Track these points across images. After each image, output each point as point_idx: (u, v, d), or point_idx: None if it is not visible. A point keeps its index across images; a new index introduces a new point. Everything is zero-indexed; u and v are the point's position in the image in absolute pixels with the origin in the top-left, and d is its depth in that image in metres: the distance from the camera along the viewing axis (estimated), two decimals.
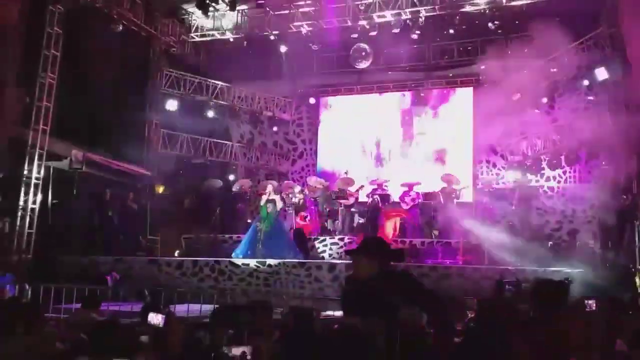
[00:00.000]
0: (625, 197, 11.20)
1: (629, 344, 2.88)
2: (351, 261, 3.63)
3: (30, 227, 11.90)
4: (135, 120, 15.09)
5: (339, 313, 3.70)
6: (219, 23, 15.16)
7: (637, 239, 10.10)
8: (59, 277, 10.35)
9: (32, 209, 11.98)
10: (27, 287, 9.26)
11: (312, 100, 17.30)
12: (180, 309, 8.55)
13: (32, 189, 12.00)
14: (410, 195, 13.76)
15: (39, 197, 12.09)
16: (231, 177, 16.42)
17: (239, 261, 11.50)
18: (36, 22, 12.36)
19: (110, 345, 3.08)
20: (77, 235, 12.77)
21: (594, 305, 4.50)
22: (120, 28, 13.60)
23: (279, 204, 12.44)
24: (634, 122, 11.66)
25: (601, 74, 12.25)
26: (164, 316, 3.30)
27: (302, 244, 12.62)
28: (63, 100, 12.57)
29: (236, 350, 3.35)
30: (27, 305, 5.61)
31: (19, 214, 11.79)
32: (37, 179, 12.10)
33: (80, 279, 10.23)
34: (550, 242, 12.65)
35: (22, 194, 11.90)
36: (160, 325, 3.26)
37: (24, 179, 11.94)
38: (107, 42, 13.47)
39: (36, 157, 12.12)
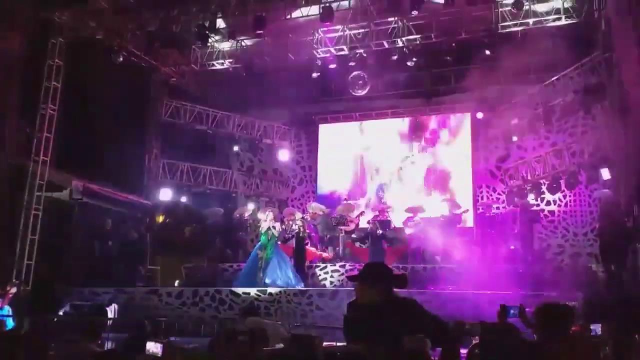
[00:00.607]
0: (626, 219, 11.17)
1: None
2: (353, 288, 3.60)
3: (29, 258, 11.84)
4: (135, 150, 15.16)
5: (342, 342, 3.66)
6: (218, 53, 15.34)
7: None
8: (59, 309, 10.26)
9: (32, 240, 11.94)
10: (26, 319, 9.16)
11: (310, 128, 17.40)
12: (181, 339, 8.45)
13: (31, 220, 11.98)
14: (413, 221, 13.73)
15: (39, 227, 12.06)
16: (231, 206, 16.38)
17: (240, 290, 11.41)
18: (37, 54, 12.52)
19: None
20: (77, 266, 12.70)
21: (600, 329, 4.46)
22: (121, 59, 13.75)
23: (278, 230, 12.40)
24: (632, 145, 11.72)
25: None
26: (161, 345, 3.26)
27: (301, 269, 12.59)
28: (63, 131, 12.65)
29: None
30: (27, 337, 5.54)
31: (18, 244, 11.75)
32: (36, 209, 12.09)
33: (80, 310, 10.14)
34: (553, 266, 12.57)
35: (21, 225, 11.87)
36: (159, 354, 3.22)
37: (24, 209, 11.93)
38: (107, 73, 13.62)
39: (36, 188, 12.13)
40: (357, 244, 14.00)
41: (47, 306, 10.29)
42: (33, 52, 12.47)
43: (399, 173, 16.49)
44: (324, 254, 13.82)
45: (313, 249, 13.71)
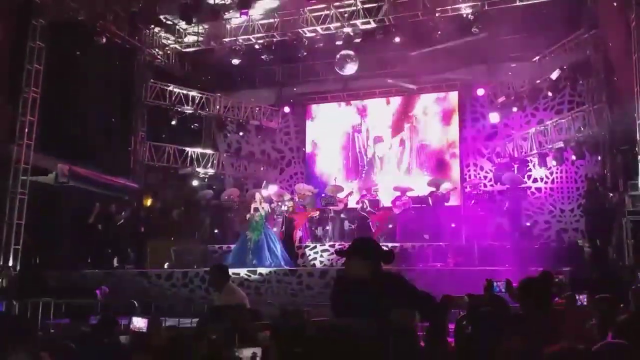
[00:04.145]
0: (612, 194, 11.30)
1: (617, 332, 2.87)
2: (342, 265, 3.61)
3: (16, 242, 11.76)
4: (121, 132, 15.03)
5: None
6: (203, 33, 15.14)
7: (625, 235, 10.17)
8: (47, 293, 10.22)
9: (18, 224, 11.85)
10: (14, 303, 9.12)
11: (298, 108, 17.31)
12: (172, 321, 8.46)
13: (17, 204, 11.87)
14: (401, 200, 13.78)
15: (25, 212, 11.96)
16: (219, 187, 16.33)
17: (229, 271, 11.39)
18: (19, 36, 12.29)
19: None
20: (65, 249, 12.64)
21: (585, 299, 4.52)
22: (104, 40, 13.54)
23: (264, 211, 12.38)
24: (618, 120, 11.80)
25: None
26: (146, 320, 3.28)
27: (290, 249, 12.62)
28: (47, 114, 12.48)
29: (247, 352, 3.29)
30: (16, 319, 5.53)
31: (5, 229, 11.66)
32: (22, 194, 11.97)
33: (69, 293, 10.12)
34: (540, 242, 12.71)
35: (7, 209, 11.77)
36: (144, 330, 3.24)
37: (9, 194, 11.82)
38: (91, 55, 13.43)
39: (21, 172, 12.00)
40: (346, 224, 14.02)
41: (35, 290, 10.25)
42: (14, 35, 12.23)
43: (387, 152, 16.49)
44: (311, 214, 13.83)
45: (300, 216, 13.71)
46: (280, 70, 17.00)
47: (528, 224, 14.03)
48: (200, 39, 15.26)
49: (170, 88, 15.68)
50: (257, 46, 14.70)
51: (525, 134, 14.32)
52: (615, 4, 11.70)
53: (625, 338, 2.58)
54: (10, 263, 11.59)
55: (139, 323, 3.29)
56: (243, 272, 11.28)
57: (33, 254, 11.94)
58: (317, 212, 13.90)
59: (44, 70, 12.46)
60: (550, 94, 14.03)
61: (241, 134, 16.99)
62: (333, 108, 17.33)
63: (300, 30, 14.20)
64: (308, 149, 17.32)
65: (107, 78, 13.99)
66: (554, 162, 13.59)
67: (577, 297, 4.52)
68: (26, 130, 12.11)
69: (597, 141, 12.77)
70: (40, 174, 12.61)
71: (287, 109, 17.20)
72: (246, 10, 13.20)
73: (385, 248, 3.94)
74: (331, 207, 14.00)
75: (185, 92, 15.86)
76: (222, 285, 5.48)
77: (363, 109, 16.95)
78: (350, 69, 14.77)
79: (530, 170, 14.49)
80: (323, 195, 14.43)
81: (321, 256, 13.02)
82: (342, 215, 14.12)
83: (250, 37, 14.60)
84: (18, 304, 9.01)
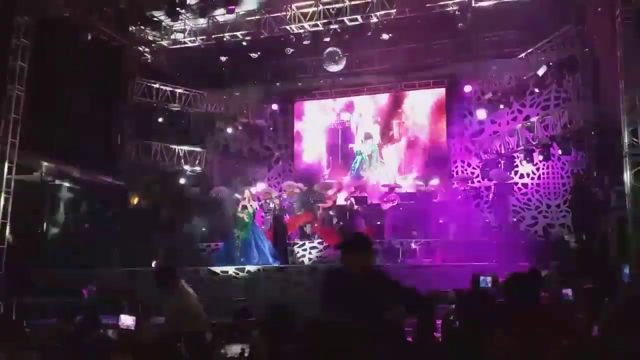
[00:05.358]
0: (597, 190, 11.40)
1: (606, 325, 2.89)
2: (329, 264, 3.62)
3: (2, 242, 11.64)
4: (108, 130, 14.90)
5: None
6: (190, 30, 15.06)
7: (610, 230, 10.28)
8: (34, 292, 10.14)
9: (3, 223, 11.72)
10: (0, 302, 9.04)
11: (286, 106, 17.27)
12: (159, 320, 8.43)
13: (2, 203, 11.74)
14: (389, 196, 13.82)
15: (10, 211, 11.83)
16: (206, 185, 16.24)
17: (218, 269, 11.40)
18: (2, 33, 12.14)
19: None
20: (51, 248, 12.53)
21: (571, 294, 4.56)
22: (90, 37, 13.42)
23: (252, 209, 12.36)
24: (603, 116, 11.91)
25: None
26: (134, 317, 3.27)
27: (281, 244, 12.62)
28: (32, 112, 12.35)
29: (235, 348, 3.29)
30: (2, 318, 5.48)
31: None
32: (7, 192, 11.84)
33: (55, 292, 10.04)
34: (527, 238, 12.81)
35: None
36: (132, 327, 3.23)
37: None
38: (76, 52, 13.30)
39: (5, 171, 11.87)
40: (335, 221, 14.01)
41: (21, 289, 10.16)
42: None
43: (375, 149, 16.50)
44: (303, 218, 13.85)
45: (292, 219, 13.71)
46: (268, 68, 16.94)
47: (515, 219, 14.13)
48: (187, 36, 15.16)
49: (157, 85, 15.61)
50: (244, 43, 14.64)
51: (511, 130, 14.39)
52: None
53: (615, 331, 2.60)
54: None
55: (127, 321, 3.28)
56: (231, 270, 11.27)
57: (18, 253, 11.79)
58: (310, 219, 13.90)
59: (29, 68, 12.31)
60: (536, 90, 14.11)
61: (229, 131, 16.89)
62: (321, 105, 17.30)
63: (287, 27, 14.16)
64: (296, 146, 17.29)
65: (93, 75, 13.85)
66: (541, 158, 13.68)
67: (563, 292, 4.56)
68: (11, 128, 11.97)
69: (583, 137, 12.86)
70: (25, 173, 12.47)
71: (286, 105, 17.13)
72: (233, 7, 13.14)
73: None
74: (320, 204, 14.01)
75: (172, 89, 15.78)
76: (172, 289, 4.95)
77: (351, 106, 16.95)
78: (338, 66, 14.78)
79: (517, 166, 14.57)
80: (311, 192, 14.44)
81: (310, 253, 13.03)
82: (331, 212, 14.12)
83: (237, 33, 14.54)
84: (3, 304, 8.92)
